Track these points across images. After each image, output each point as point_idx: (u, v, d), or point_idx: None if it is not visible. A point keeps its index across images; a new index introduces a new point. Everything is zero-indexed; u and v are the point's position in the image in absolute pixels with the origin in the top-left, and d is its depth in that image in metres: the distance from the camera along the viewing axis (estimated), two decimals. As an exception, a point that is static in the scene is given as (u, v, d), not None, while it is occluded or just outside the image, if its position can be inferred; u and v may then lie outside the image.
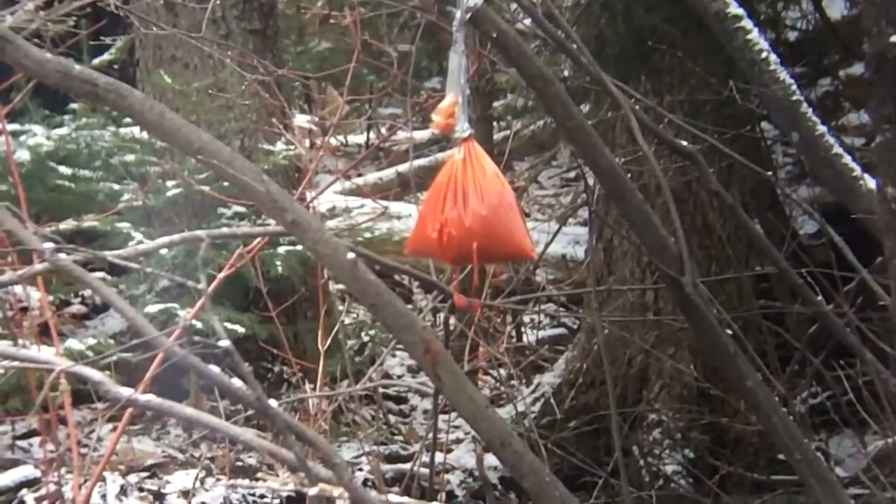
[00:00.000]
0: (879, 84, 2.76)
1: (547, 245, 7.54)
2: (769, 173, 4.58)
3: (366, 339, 7.03)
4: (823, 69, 6.69)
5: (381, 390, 6.53)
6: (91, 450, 4.98)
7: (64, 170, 6.46)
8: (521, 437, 3.45)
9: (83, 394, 4.68)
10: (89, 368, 2.79)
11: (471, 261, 3.06)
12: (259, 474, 5.57)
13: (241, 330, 5.94)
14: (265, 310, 5.78)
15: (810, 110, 3.42)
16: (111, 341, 5.91)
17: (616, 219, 6.01)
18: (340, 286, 6.75)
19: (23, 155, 6.25)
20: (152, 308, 5.94)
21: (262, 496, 5.32)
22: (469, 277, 3.13)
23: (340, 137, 11.17)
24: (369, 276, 3.01)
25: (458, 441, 6.25)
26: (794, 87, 3.41)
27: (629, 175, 3.45)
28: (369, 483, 5.41)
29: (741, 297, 5.96)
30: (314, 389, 5.46)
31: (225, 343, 2.68)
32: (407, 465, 5.51)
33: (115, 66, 7.50)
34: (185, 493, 5.20)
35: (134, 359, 3.11)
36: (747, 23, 3.42)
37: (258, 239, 4.48)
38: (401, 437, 6.61)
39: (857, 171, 3.39)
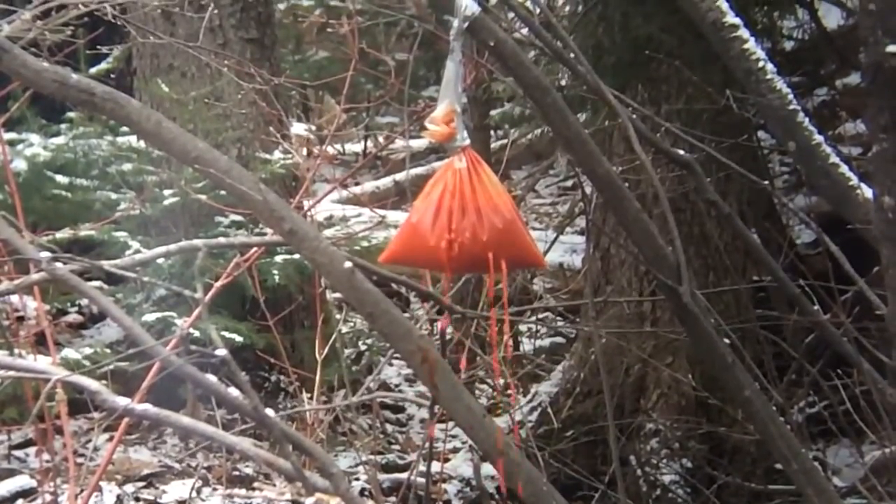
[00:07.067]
0: (876, 94, 2.76)
1: (544, 254, 7.54)
2: (766, 183, 4.57)
3: (363, 347, 7.04)
4: (820, 79, 6.69)
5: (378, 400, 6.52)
6: (87, 459, 4.96)
7: (61, 179, 6.46)
8: (518, 447, 3.44)
9: (80, 403, 4.68)
10: (86, 378, 2.79)
11: (476, 270, 3.06)
12: (256, 484, 5.57)
13: (238, 339, 5.94)
14: (262, 319, 5.78)
15: (807, 120, 3.43)
16: (108, 350, 5.90)
17: (613, 228, 6.01)
18: (338, 295, 6.76)
19: (20, 164, 6.25)
20: (149, 317, 5.94)
21: (258, 506, 5.31)
22: (465, 287, 3.13)
23: (338, 146, 11.18)
24: (366, 285, 3.01)
25: (456, 450, 6.24)
26: (790, 96, 3.41)
27: (626, 184, 3.45)
28: (366, 493, 5.40)
29: (738, 307, 5.96)
30: (311, 398, 5.45)
31: (222, 352, 2.67)
32: (404, 475, 5.50)
33: (113, 76, 7.50)
34: (182, 503, 5.20)
35: (131, 368, 3.10)
36: (744, 32, 3.42)
37: (255, 248, 4.47)
38: (398, 447, 6.61)
39: (854, 180, 3.39)
